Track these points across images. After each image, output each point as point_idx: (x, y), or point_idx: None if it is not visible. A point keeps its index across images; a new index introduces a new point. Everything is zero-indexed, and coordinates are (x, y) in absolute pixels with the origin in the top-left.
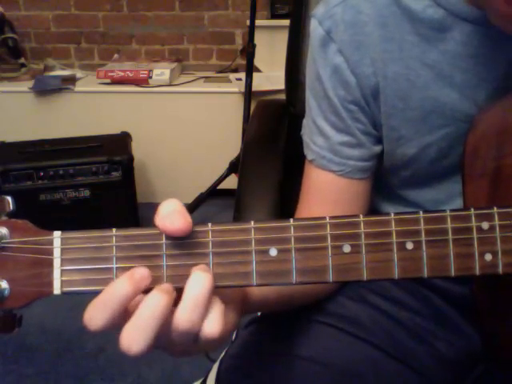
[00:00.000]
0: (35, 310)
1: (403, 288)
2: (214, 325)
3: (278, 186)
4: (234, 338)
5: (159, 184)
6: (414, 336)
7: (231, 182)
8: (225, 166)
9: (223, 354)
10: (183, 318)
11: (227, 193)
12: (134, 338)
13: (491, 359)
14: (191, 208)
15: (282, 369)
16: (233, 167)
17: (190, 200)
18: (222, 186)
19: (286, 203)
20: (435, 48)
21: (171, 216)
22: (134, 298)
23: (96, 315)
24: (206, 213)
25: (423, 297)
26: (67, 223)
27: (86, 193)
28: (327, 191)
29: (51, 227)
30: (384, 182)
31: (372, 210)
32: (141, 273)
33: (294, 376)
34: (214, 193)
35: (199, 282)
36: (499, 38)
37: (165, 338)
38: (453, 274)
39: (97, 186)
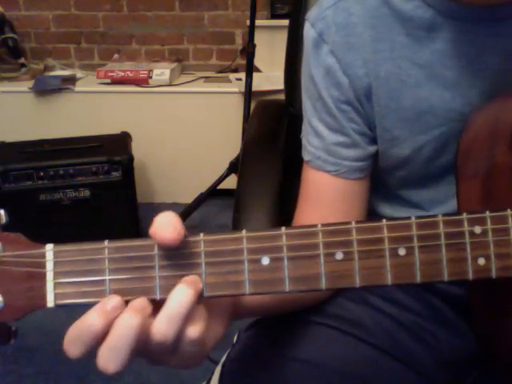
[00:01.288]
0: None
1: (404, 290)
2: (191, 339)
3: (278, 186)
4: (235, 340)
5: (159, 184)
6: (415, 337)
7: (231, 182)
8: (225, 165)
9: (225, 356)
10: (159, 330)
11: (227, 193)
12: (109, 359)
13: (489, 361)
14: (191, 208)
15: (284, 372)
16: (233, 167)
17: (189, 200)
18: (222, 185)
19: (285, 203)
20: (426, 48)
21: (163, 226)
22: (108, 328)
23: (72, 347)
24: (206, 213)
25: (424, 299)
26: (67, 223)
27: (86, 193)
28: (324, 192)
29: (51, 227)
30: (381, 183)
31: (369, 210)
32: (112, 304)
33: (296, 379)
34: (214, 193)
35: (179, 297)
36: (489, 36)
37: (142, 347)
38: (446, 279)
39: (97, 186)
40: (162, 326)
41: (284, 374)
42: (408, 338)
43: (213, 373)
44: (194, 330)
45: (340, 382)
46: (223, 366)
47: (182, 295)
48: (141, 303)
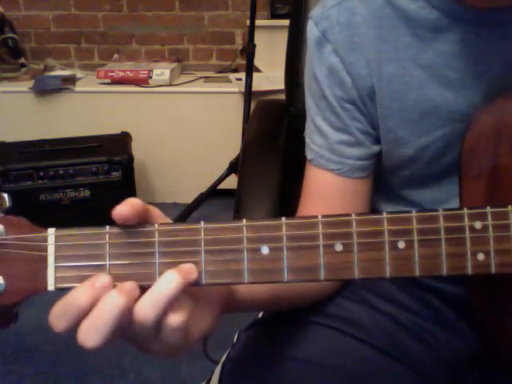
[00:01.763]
0: (34, 309)
1: (403, 289)
2: (172, 327)
3: (278, 186)
4: (235, 340)
5: (159, 184)
6: (415, 337)
7: (231, 182)
8: (225, 165)
9: (225, 356)
10: (142, 312)
11: (227, 193)
12: (89, 334)
13: (489, 361)
14: (191, 208)
15: (284, 372)
16: (233, 167)
17: (189, 200)
18: (222, 185)
19: (285, 203)
20: (430, 48)
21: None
22: (94, 305)
23: (57, 320)
24: (206, 213)
25: (423, 298)
26: (67, 223)
27: (86, 193)
28: (326, 190)
29: (51, 227)
30: (384, 182)
31: (372, 210)
32: (101, 281)
33: (296, 379)
34: (214, 193)
35: (166, 283)
36: (492, 38)
37: (126, 329)
38: (445, 273)
39: (97, 186)
40: (145, 307)
41: (284, 373)
42: (407, 337)
43: (213, 373)
44: (175, 318)
45: (339, 381)
46: (223, 366)
47: (170, 282)
48: (130, 286)
